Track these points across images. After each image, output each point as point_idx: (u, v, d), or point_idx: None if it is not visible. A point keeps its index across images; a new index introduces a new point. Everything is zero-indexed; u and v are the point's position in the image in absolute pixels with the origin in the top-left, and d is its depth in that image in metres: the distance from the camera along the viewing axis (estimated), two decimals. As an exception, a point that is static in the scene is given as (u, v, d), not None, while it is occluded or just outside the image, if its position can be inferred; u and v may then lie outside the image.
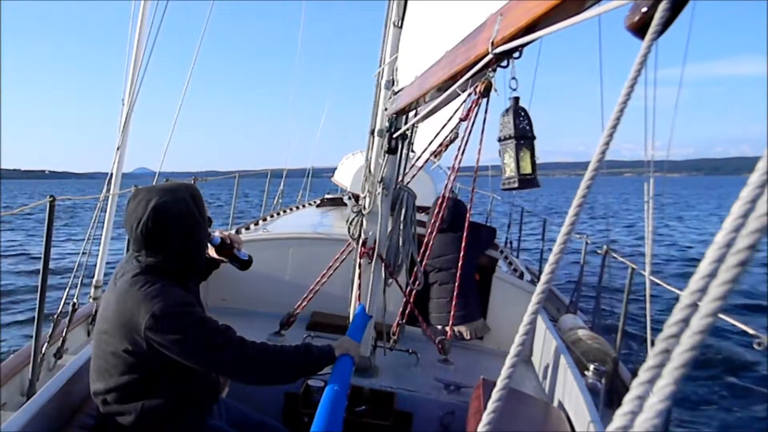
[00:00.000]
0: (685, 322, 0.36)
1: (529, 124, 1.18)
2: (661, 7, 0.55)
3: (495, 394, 0.62)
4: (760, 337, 2.42)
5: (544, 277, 0.62)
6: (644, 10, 0.59)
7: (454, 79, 1.62)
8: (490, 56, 1.18)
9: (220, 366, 1.76)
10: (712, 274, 0.35)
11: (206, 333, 1.71)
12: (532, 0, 0.99)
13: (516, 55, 1.14)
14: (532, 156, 1.16)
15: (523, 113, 1.19)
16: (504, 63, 1.22)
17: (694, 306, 0.36)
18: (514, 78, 1.17)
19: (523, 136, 1.16)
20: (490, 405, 0.62)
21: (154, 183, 2.34)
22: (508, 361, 0.63)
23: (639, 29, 0.60)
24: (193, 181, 4.13)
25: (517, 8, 1.05)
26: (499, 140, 1.20)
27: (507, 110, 1.21)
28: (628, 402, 0.38)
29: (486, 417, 0.61)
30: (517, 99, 1.21)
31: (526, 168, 1.15)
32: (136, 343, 1.67)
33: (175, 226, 1.71)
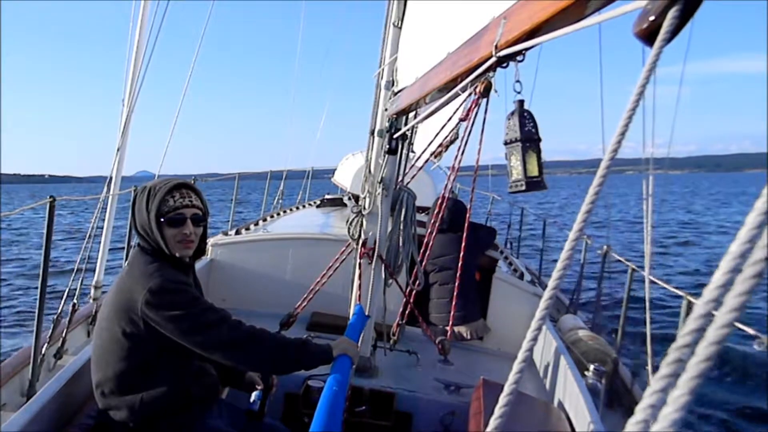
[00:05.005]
0: (700, 331, 0.36)
1: (535, 126, 1.18)
2: (670, 15, 0.55)
3: (502, 399, 0.62)
4: (760, 337, 2.42)
5: (551, 283, 0.62)
6: (652, 18, 0.59)
7: (456, 80, 1.62)
8: (493, 59, 1.18)
9: (215, 345, 1.75)
10: (727, 285, 0.35)
11: (201, 310, 1.74)
12: (536, 3, 0.99)
13: (520, 58, 1.15)
14: (539, 158, 1.16)
15: (528, 116, 1.19)
16: (504, 64, 1.22)
17: (708, 316, 0.36)
18: (518, 81, 1.17)
19: (528, 138, 1.16)
20: (498, 410, 0.62)
21: None
22: (516, 366, 0.63)
23: (647, 36, 0.60)
24: (193, 181, 4.12)
25: (521, 12, 1.05)
26: (505, 143, 1.20)
27: (512, 113, 1.21)
28: (641, 410, 0.38)
29: (493, 421, 0.61)
30: (521, 102, 1.21)
31: (533, 171, 1.15)
32: (133, 323, 1.70)
33: (133, 213, 1.89)
